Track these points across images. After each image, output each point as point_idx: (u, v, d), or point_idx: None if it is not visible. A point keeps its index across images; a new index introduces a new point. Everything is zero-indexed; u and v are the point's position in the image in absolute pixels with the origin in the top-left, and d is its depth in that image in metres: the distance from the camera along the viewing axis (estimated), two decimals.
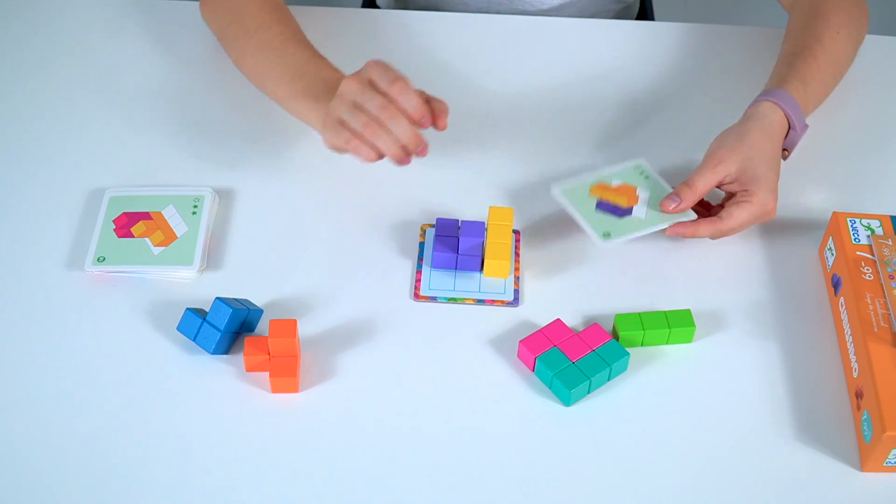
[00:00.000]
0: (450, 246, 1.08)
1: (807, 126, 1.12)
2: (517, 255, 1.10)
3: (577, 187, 1.09)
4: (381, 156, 1.03)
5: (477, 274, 1.08)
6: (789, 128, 1.11)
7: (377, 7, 1.53)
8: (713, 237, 1.09)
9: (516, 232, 1.12)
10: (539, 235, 1.12)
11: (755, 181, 1.06)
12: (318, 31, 1.29)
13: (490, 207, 1.08)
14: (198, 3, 1.29)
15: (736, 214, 1.06)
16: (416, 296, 1.06)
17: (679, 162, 1.18)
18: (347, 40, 1.32)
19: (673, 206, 1.07)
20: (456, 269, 1.08)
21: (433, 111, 1.03)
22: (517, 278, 1.08)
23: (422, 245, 1.10)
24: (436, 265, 1.08)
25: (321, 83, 1.09)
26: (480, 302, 1.06)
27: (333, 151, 1.06)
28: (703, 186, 1.07)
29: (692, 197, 1.07)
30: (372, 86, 1.02)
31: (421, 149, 1.03)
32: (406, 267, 1.09)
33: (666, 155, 1.19)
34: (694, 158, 1.15)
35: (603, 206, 1.07)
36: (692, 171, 1.08)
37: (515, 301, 1.06)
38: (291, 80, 1.11)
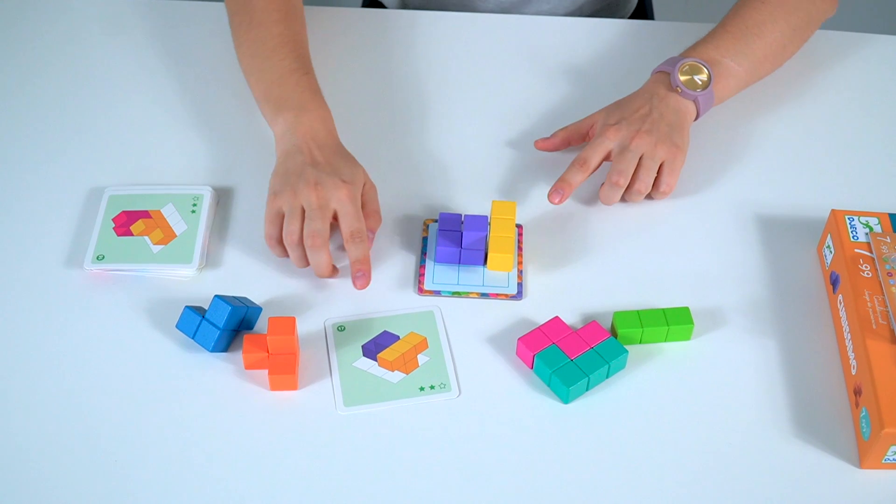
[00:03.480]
0: (453, 240, 1.08)
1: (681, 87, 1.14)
2: (520, 249, 1.10)
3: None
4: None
5: (480, 268, 1.08)
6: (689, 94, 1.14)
7: (378, 6, 1.53)
8: (582, 179, 1.11)
9: (519, 226, 1.12)
10: (541, 230, 1.12)
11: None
12: (318, 31, 1.29)
13: (493, 202, 1.08)
14: (197, 3, 1.30)
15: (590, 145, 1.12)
16: (421, 290, 1.06)
17: None
18: (348, 40, 1.33)
19: (558, 198, 1.10)
20: (459, 263, 1.08)
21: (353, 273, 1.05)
22: (520, 272, 1.08)
23: (425, 240, 1.11)
24: (439, 259, 1.08)
25: (292, 100, 1.11)
26: (484, 296, 1.06)
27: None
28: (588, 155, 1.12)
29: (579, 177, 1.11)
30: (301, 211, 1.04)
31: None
32: (409, 262, 1.09)
33: None
34: (693, 157, 1.15)
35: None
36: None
37: (519, 295, 1.06)
38: (271, 84, 1.13)
